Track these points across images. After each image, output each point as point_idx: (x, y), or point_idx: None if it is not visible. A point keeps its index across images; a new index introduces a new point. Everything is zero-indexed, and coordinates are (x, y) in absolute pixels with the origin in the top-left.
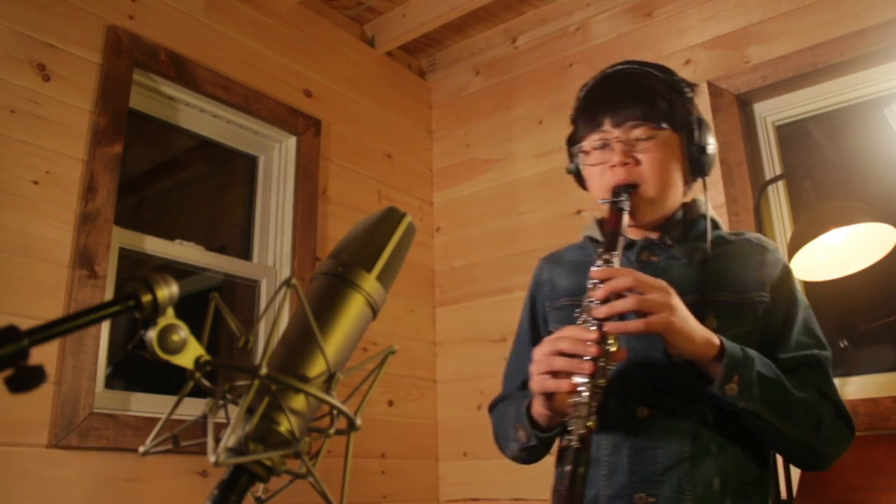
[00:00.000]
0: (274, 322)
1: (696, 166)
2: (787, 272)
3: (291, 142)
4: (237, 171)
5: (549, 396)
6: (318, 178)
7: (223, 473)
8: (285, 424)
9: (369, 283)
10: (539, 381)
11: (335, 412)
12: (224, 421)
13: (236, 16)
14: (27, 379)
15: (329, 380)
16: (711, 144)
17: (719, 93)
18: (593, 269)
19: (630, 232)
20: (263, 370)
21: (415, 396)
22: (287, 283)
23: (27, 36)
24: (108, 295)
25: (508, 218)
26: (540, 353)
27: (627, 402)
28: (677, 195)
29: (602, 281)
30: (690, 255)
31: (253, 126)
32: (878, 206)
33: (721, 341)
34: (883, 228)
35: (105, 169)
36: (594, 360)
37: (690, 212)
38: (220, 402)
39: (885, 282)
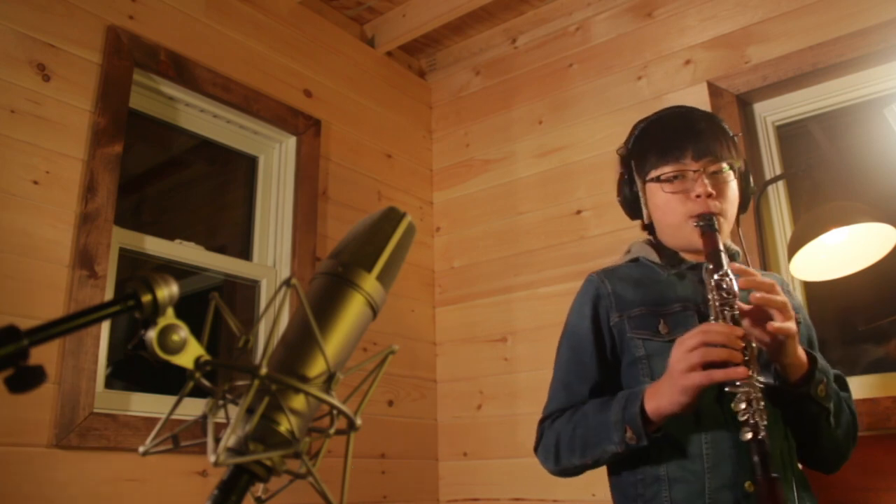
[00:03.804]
0: (274, 322)
1: (745, 204)
2: (800, 304)
3: (291, 142)
4: (237, 171)
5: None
6: (318, 178)
7: (223, 473)
8: (285, 424)
9: (369, 283)
10: (707, 374)
11: (335, 412)
12: (224, 421)
13: (236, 16)
14: (27, 379)
15: (329, 380)
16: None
17: (719, 93)
18: (734, 280)
19: (688, 256)
20: (263, 370)
21: (415, 396)
22: (287, 283)
23: (27, 36)
24: (108, 295)
25: (508, 218)
26: (688, 346)
27: (721, 399)
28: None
29: (725, 290)
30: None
31: (253, 126)
32: (878, 206)
33: (808, 352)
34: (883, 228)
35: (105, 169)
36: (744, 352)
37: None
38: (220, 402)
39: (885, 282)
